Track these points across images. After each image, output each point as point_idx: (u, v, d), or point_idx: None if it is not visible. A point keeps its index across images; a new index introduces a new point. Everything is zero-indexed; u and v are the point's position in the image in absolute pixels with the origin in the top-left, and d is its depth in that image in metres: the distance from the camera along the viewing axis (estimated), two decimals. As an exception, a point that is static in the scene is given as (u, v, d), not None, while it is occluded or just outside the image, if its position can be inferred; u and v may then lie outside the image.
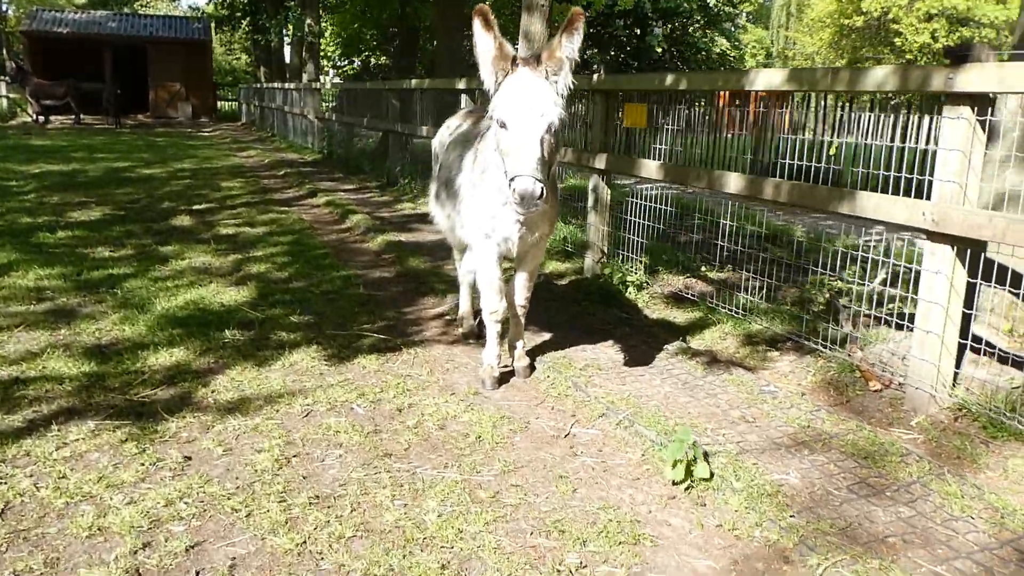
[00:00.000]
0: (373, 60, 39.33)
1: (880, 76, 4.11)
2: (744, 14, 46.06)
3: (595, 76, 6.77)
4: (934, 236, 3.94)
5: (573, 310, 6.10)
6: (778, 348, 5.12)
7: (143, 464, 3.53)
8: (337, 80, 22.64)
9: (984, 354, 4.30)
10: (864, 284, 6.55)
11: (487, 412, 4.18)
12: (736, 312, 5.70)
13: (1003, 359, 4.36)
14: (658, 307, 6.22)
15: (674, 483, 3.39)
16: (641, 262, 6.72)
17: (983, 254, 4.04)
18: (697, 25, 38.16)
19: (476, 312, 5.64)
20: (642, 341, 5.32)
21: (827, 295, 5.86)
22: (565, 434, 3.96)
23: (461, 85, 9.82)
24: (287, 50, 34.20)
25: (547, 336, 5.39)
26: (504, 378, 4.68)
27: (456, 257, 5.66)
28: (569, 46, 3.61)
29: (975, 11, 33.75)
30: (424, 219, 10.06)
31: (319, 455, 3.70)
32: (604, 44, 35.24)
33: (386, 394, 4.44)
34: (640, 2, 32.29)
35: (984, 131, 3.80)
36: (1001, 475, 3.47)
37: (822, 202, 4.54)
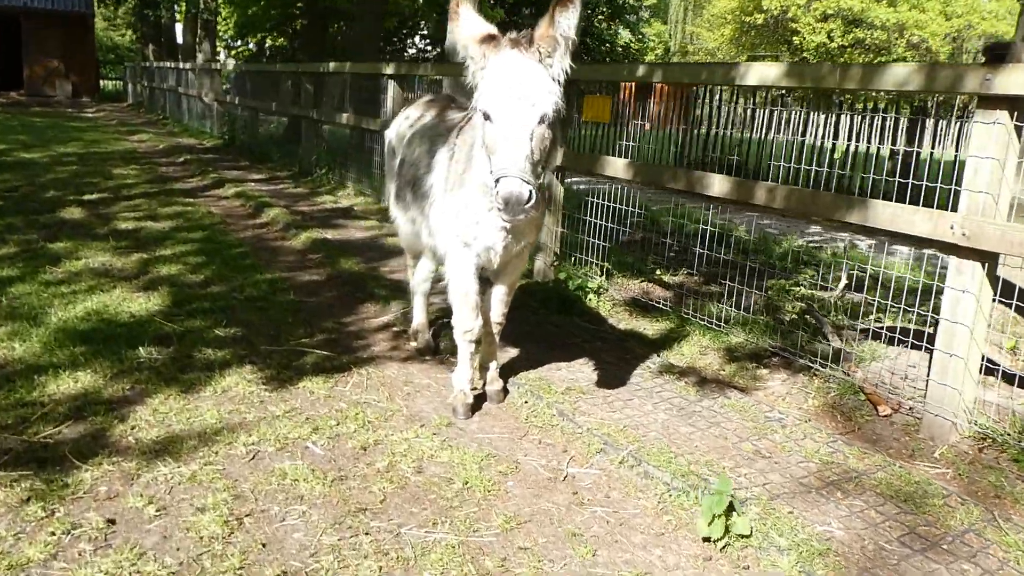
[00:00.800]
0: (270, 42, 37.60)
1: (902, 74, 3.75)
2: (644, 8, 46.48)
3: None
4: (961, 251, 3.60)
5: (532, 319, 5.58)
6: (764, 364, 4.75)
7: (53, 533, 2.81)
8: (232, 62, 21.32)
9: (983, 372, 4.03)
10: (829, 290, 6.31)
11: (468, 449, 3.62)
12: (709, 322, 5.31)
13: (1008, 378, 4.10)
14: (622, 315, 5.78)
15: (705, 540, 2.92)
16: (599, 266, 6.26)
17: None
18: (602, 16, 38.19)
19: (431, 324, 5.06)
20: (618, 357, 4.85)
21: (802, 305, 5.55)
22: (563, 476, 3.44)
23: (388, 70, 9.12)
24: (179, 27, 32.30)
25: (513, 352, 4.85)
26: (476, 404, 4.12)
27: (409, 263, 5.05)
28: (565, 22, 3.08)
29: (868, 13, 34.95)
30: (349, 214, 9.37)
31: (277, 513, 3.06)
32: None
33: (344, 427, 3.81)
34: (546, -8, 32.00)
35: (1020, 138, 3.48)
36: (1052, 518, 3.16)
37: (825, 210, 4.17)
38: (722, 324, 5.25)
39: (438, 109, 4.44)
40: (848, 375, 4.37)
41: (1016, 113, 3.45)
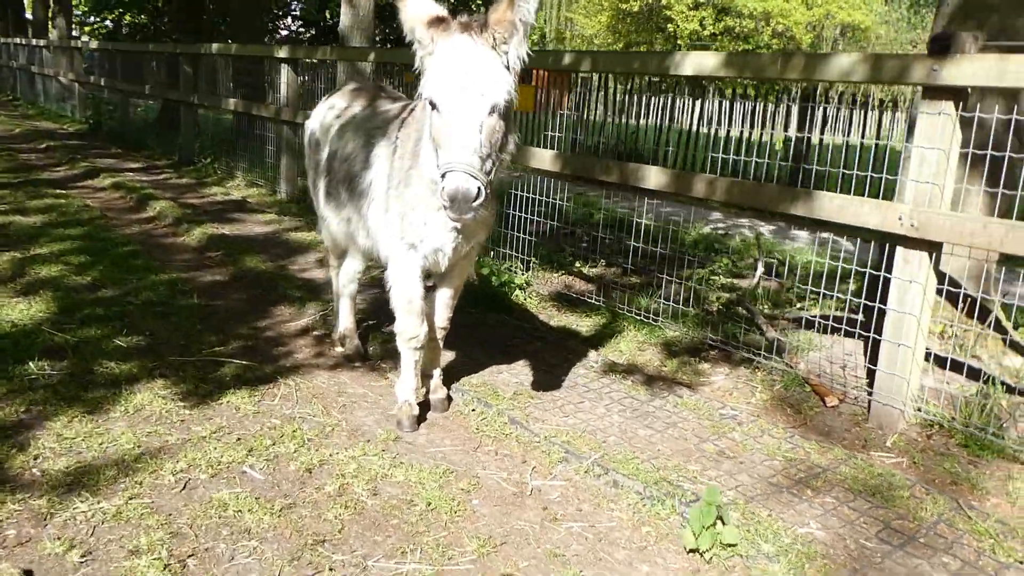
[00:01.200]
0: (129, 19, 35.30)
1: (846, 64, 3.74)
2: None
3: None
4: (908, 242, 3.63)
5: (462, 319, 5.34)
6: (703, 358, 4.71)
7: (-38, 596, 2.41)
8: (94, 41, 19.86)
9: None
10: (745, 277, 6.38)
11: (423, 466, 3.38)
12: (641, 316, 5.24)
13: (940, 363, 4.20)
14: (551, 311, 5.63)
15: (691, 551, 2.81)
16: (521, 260, 6.10)
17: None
18: (480, 1, 37.97)
19: (357, 327, 4.76)
20: (560, 357, 4.70)
21: (730, 296, 5.57)
22: (528, 489, 3.26)
23: (282, 53, 8.60)
24: (27, 1, 29.85)
25: (450, 355, 4.61)
26: (421, 414, 3.88)
27: (332, 263, 4.72)
28: (525, 6, 2.86)
29: (736, 1, 36.19)
30: (244, 207, 8.82)
31: (225, 551, 2.74)
32: (386, 18, 34.05)
33: (282, 447, 3.49)
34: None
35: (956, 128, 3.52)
36: (1008, 501, 3.23)
37: (770, 202, 4.14)
38: (654, 317, 5.19)
39: (367, 99, 4.13)
40: (791, 367, 4.38)
41: (960, 104, 3.48)
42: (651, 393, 4.20)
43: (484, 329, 5.16)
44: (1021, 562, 2.80)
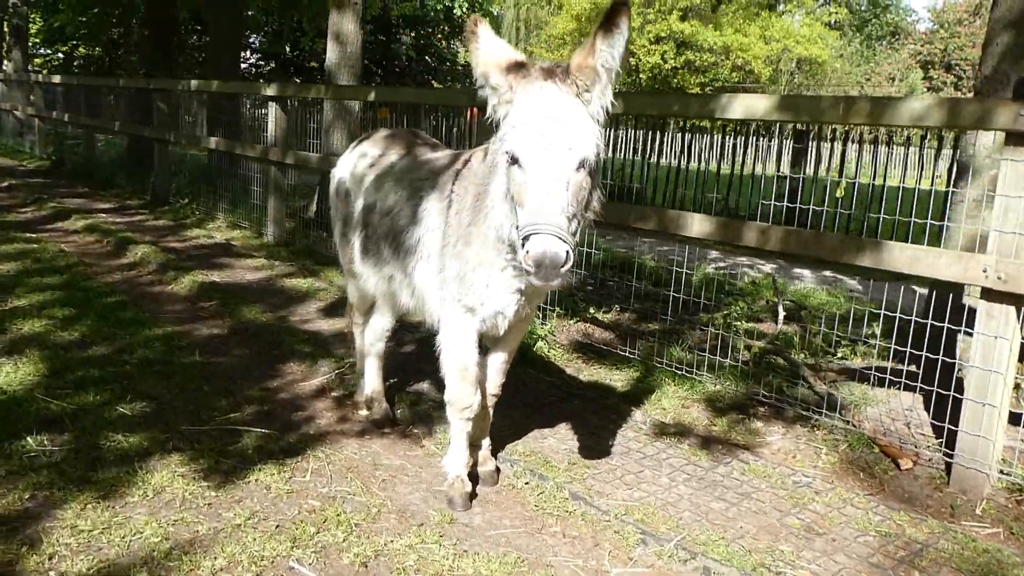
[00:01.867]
0: (83, 51, 34.52)
1: (918, 109, 3.54)
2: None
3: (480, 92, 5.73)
4: (993, 295, 3.43)
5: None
6: (752, 415, 4.45)
7: None
8: (56, 76, 19.27)
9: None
10: (763, 321, 6.17)
11: (489, 555, 3.04)
12: (673, 367, 4.98)
13: (1012, 419, 4.00)
14: (577, 363, 5.34)
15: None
16: (540, 307, 5.81)
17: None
18: (441, 36, 38.00)
19: (385, 390, 4.41)
20: (603, 417, 4.40)
21: (763, 344, 5.34)
22: (613, 580, 2.95)
23: (270, 92, 8.26)
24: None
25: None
26: (472, 490, 3.55)
27: (356, 320, 4.37)
28: (607, 51, 2.59)
29: (696, 36, 36.72)
30: (230, 251, 8.40)
31: (290, 674, 2.37)
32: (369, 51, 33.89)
33: (329, 535, 3.14)
34: (387, 8, 31.31)
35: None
36: None
37: (831, 252, 3.92)
38: (688, 369, 4.93)
39: (404, 146, 3.83)
40: (854, 425, 4.15)
41: (1050, 153, 3.31)
42: (712, 458, 3.93)
43: (514, 386, 4.84)
44: None
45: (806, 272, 8.74)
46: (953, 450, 3.76)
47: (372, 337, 4.31)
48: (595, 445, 4.04)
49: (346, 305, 4.56)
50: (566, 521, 3.34)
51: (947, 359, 3.86)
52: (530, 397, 4.65)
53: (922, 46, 41.78)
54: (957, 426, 3.69)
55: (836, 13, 40.12)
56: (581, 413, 4.43)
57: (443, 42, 38.70)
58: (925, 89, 40.87)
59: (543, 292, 3.24)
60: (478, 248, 3.09)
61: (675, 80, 38.32)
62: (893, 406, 4.33)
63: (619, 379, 5.02)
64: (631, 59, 38.57)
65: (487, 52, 2.72)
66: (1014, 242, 3.36)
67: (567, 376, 5.07)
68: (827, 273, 8.63)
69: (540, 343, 5.47)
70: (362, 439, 4.09)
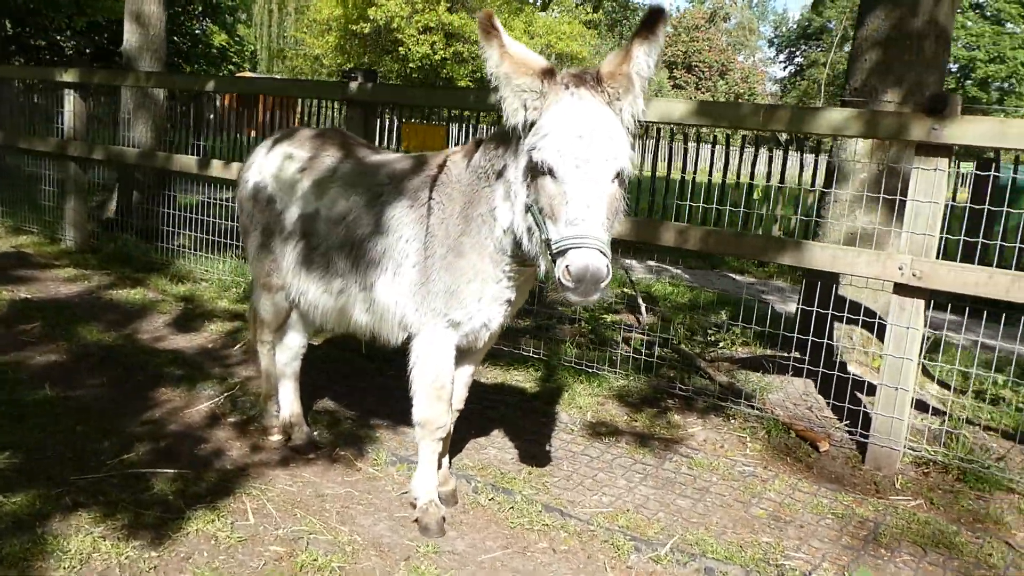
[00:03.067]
0: None
1: (838, 119, 3.83)
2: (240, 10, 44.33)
3: (351, 85, 5.43)
4: (906, 290, 3.79)
5: (395, 384, 4.79)
6: (665, 408, 4.60)
7: None
8: None
9: (865, 393, 4.38)
10: (620, 312, 6.41)
11: (497, 583, 2.90)
12: (573, 363, 5.04)
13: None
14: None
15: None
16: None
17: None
18: (194, 17, 35.61)
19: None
20: (531, 421, 4.34)
21: (638, 335, 5.53)
22: (626, 593, 2.91)
23: (68, 78, 7.24)
24: None
25: (406, 429, 4.09)
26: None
27: (265, 337, 3.97)
28: (645, 59, 2.54)
29: (465, 28, 37.28)
30: (28, 262, 7.30)
31: None
32: (83, 33, 30.68)
33: (313, 585, 2.82)
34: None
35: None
36: (1037, 534, 3.46)
37: (753, 252, 4.14)
38: (588, 364, 4.99)
39: (339, 148, 3.51)
40: (773, 414, 4.41)
41: (949, 160, 3.71)
42: (655, 456, 4.00)
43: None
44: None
45: (634, 262, 9.18)
46: (858, 429, 4.13)
47: (287, 356, 3.94)
48: (539, 452, 3.97)
49: (252, 321, 4.12)
50: (550, 535, 3.26)
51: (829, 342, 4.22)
52: (450, 408, 4.48)
53: (666, 48, 45.58)
54: (856, 406, 4.09)
55: (588, 13, 42.45)
56: (509, 419, 4.33)
57: (194, 23, 36.28)
58: (670, 87, 44.50)
59: (521, 300, 3.13)
60: (474, 259, 2.92)
61: (444, 71, 38.69)
62: (789, 392, 4.68)
63: (525, 380, 4.98)
64: (400, 48, 38.45)
65: (513, 54, 2.55)
66: (923, 242, 3.73)
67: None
68: (651, 263, 9.11)
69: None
70: (290, 469, 3.72)
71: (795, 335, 4.59)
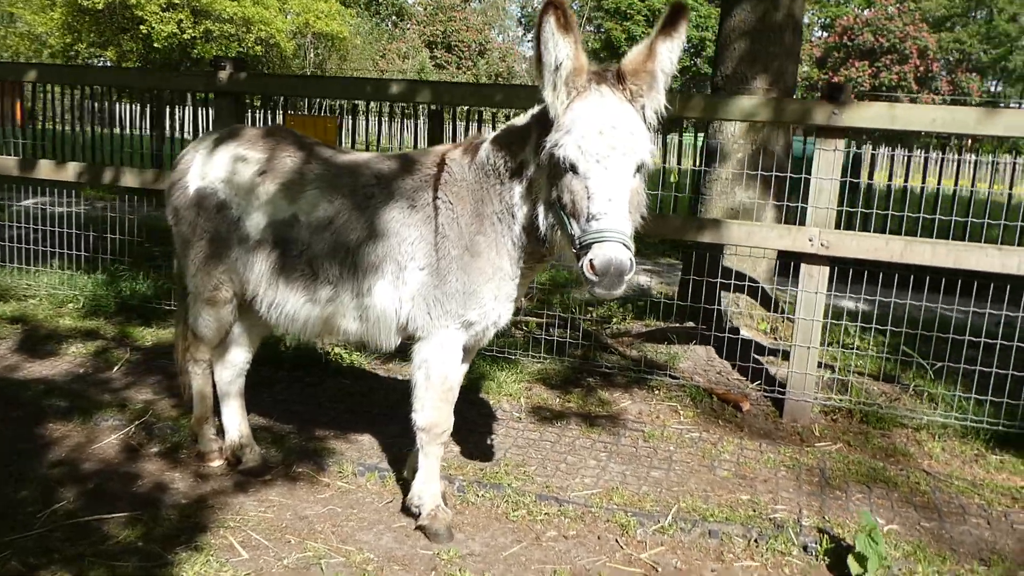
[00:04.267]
0: None
1: (748, 106, 4.17)
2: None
3: (221, 74, 5.03)
4: (814, 259, 4.23)
5: (301, 390, 4.57)
6: (588, 386, 4.78)
7: None
8: None
9: (765, 354, 4.87)
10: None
11: (538, 576, 2.92)
12: (485, 351, 5.09)
13: (772, 352, 5.00)
14: (373, 363, 5.09)
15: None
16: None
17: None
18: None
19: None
20: (476, 413, 4.33)
21: (534, 319, 5.68)
22: (652, 566, 3.05)
23: None
24: None
25: (363, 438, 3.97)
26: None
27: (200, 356, 3.64)
28: (668, 55, 2.63)
29: (214, 6, 35.11)
30: None
31: None
32: None
33: (360, 610, 2.70)
34: None
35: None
36: (937, 460, 4.04)
37: (675, 232, 4.41)
38: (499, 350, 5.06)
39: (298, 147, 3.28)
40: (688, 381, 4.73)
41: (846, 141, 4.18)
42: (608, 433, 4.17)
43: (353, 400, 4.48)
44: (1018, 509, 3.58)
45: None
46: (772, 387, 4.57)
47: (230, 374, 3.65)
48: (502, 443, 4.00)
49: (180, 339, 3.74)
50: (554, 524, 3.32)
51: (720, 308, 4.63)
52: (380, 409, 4.37)
53: (424, 27, 45.64)
54: (759, 366, 4.52)
55: (344, -9, 41.62)
56: (501, 418, 4.31)
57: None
58: (432, 67, 44.75)
59: (522, 297, 3.15)
60: (492, 257, 2.89)
61: (194, 51, 36.25)
62: (696, 360, 5.04)
63: (494, 375, 4.96)
64: (142, 26, 35.44)
65: (559, 52, 2.53)
66: (827, 215, 4.18)
67: (392, 381, 4.82)
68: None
69: (337, 349, 5.09)
70: (252, 494, 3.47)
71: (688, 304, 4.95)
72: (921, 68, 44.92)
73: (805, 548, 3.16)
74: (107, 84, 6.12)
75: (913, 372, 4.84)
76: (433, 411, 3.09)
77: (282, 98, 11.04)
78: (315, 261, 3.08)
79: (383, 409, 4.36)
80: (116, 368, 4.75)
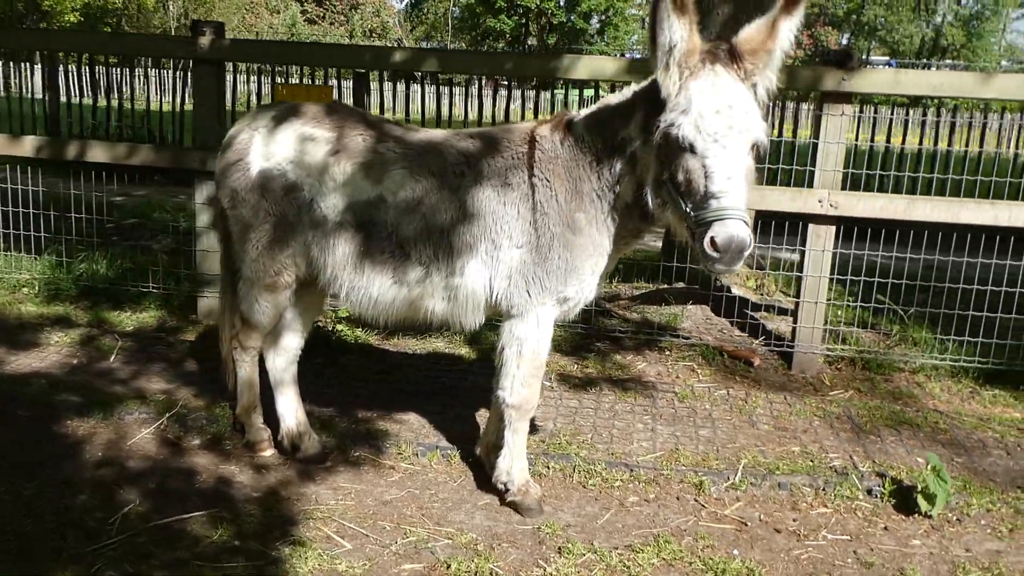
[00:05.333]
0: None
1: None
2: None
3: (202, 40, 4.73)
4: (820, 219, 4.45)
5: (332, 373, 4.45)
6: (600, 351, 4.88)
7: None
8: None
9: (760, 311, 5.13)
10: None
11: (638, 544, 3.02)
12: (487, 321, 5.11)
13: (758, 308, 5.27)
14: (387, 341, 5.02)
15: (925, 514, 3.25)
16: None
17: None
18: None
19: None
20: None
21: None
22: (745, 522, 3.21)
23: None
24: None
25: (409, 417, 3.95)
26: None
27: (251, 343, 3.50)
28: (788, 35, 2.66)
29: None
30: None
31: None
32: None
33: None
34: None
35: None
36: (940, 400, 4.40)
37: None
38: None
39: (367, 125, 3.17)
40: (698, 340, 4.90)
41: (852, 106, 4.39)
42: (643, 396, 4.29)
43: (381, 379, 4.41)
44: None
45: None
46: (771, 341, 4.82)
47: (284, 360, 3.55)
48: (546, 413, 4.05)
49: (225, 328, 3.57)
50: (631, 489, 3.43)
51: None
52: (411, 384, 4.33)
53: (295, -19, 44.06)
54: (755, 322, 4.76)
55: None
56: (481, 388, 4.31)
57: None
58: (304, 21, 43.19)
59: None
60: (592, 233, 2.92)
61: (44, 2, 33.51)
62: (696, 319, 5.22)
63: (447, 346, 4.94)
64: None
65: (674, 34, 2.54)
66: (833, 177, 4.40)
67: (401, 355, 4.77)
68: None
69: (341, 326, 4.97)
70: (321, 483, 3.40)
71: (674, 264, 5.12)
72: (782, 23, 47.04)
73: (870, 492, 3.40)
74: (79, 50, 5.53)
75: (910, 321, 5.14)
76: (525, 388, 3.11)
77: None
78: (406, 243, 3.01)
79: (412, 386, 4.31)
80: (113, 358, 4.47)
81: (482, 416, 4.00)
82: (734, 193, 2.53)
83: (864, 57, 49.77)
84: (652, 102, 2.70)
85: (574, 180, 2.92)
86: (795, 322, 4.66)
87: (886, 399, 4.37)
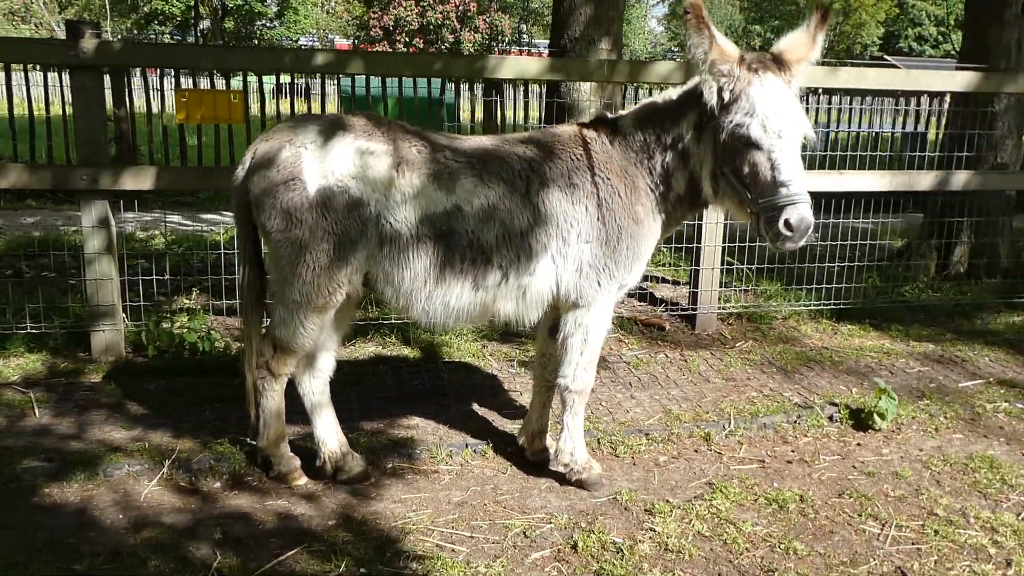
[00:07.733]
0: None
1: (664, 70, 4.84)
2: None
3: (84, 43, 4.22)
4: (714, 196, 5.13)
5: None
6: (522, 333, 5.18)
7: None
8: None
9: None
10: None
11: (731, 490, 3.45)
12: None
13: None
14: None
15: (877, 429, 4.02)
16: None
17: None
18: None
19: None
20: (484, 377, 4.50)
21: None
22: (760, 467, 3.75)
23: None
24: None
25: (408, 420, 3.99)
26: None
27: (287, 369, 3.35)
28: (821, 43, 3.14)
29: None
30: None
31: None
32: None
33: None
34: None
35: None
36: (817, 340, 5.30)
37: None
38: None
39: (416, 137, 3.16)
40: (616, 313, 5.36)
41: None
42: (602, 369, 4.64)
43: (362, 385, 4.33)
44: (899, 362, 4.95)
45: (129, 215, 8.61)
46: (672, 307, 5.45)
47: (321, 383, 3.45)
48: (514, 396, 4.29)
49: (254, 355, 3.34)
50: (656, 450, 3.82)
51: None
52: (388, 387, 4.35)
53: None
54: (640, 289, 5.39)
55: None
56: (461, 385, 4.44)
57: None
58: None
59: None
60: (650, 223, 3.24)
61: None
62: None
63: (398, 348, 4.94)
64: None
65: (720, 44, 2.93)
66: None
67: (365, 360, 4.70)
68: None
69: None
70: (380, 499, 3.37)
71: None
72: (461, 8, 49.01)
73: (831, 418, 4.10)
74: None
75: (774, 279, 6.06)
76: (587, 373, 3.36)
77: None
78: (488, 249, 3.09)
79: (394, 392, 4.31)
80: (38, 413, 3.91)
81: (481, 410, 4.14)
82: (799, 180, 2.97)
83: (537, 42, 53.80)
84: (701, 103, 3.07)
85: (630, 177, 3.20)
86: (695, 287, 5.32)
87: (779, 343, 5.19)
